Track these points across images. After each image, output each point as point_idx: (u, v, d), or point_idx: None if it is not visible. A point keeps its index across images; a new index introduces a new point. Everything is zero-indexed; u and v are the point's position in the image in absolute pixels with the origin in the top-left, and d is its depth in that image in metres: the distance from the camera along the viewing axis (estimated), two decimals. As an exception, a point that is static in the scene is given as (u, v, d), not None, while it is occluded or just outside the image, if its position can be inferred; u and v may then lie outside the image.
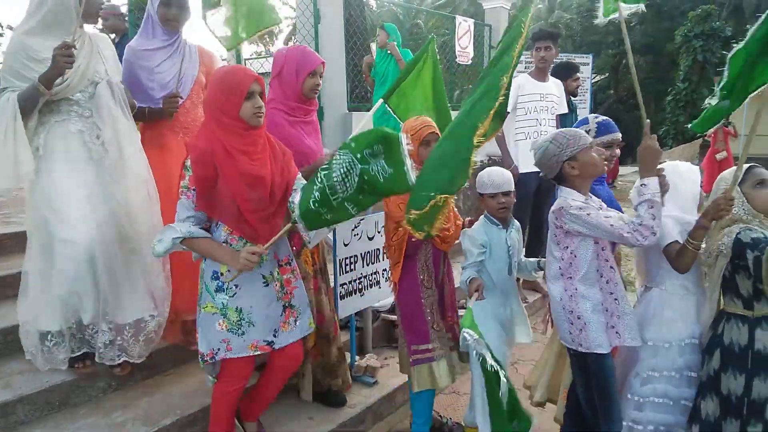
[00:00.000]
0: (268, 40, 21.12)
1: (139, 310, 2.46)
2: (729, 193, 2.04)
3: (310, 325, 2.28)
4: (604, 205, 2.28)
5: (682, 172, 2.37)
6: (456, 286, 2.73)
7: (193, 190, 1.92)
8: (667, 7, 22.07)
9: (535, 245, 4.46)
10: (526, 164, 3.99)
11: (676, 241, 2.21)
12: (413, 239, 2.35)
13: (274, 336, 2.12)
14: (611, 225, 2.07)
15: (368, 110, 6.85)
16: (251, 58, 9.75)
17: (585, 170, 2.17)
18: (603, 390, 2.21)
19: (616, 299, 2.18)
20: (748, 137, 2.15)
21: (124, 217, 2.40)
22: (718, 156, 10.77)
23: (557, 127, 4.18)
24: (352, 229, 2.96)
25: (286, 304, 2.15)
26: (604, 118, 2.56)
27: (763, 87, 2.04)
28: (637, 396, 2.31)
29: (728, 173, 2.18)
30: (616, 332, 2.17)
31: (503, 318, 2.62)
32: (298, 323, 2.20)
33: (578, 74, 4.92)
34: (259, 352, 2.09)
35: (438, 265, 2.63)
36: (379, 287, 3.22)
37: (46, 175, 2.30)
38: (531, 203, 4.30)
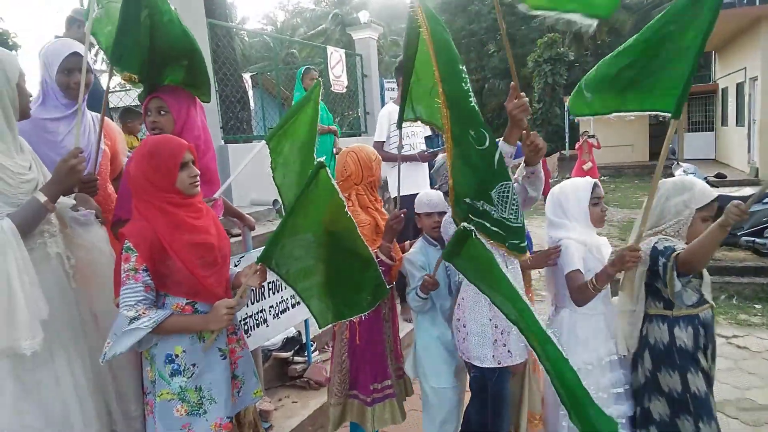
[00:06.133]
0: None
1: None
2: (634, 245, 2.04)
3: (255, 395, 2.13)
4: None
5: (568, 192, 2.41)
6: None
7: (143, 270, 1.75)
8: (518, 36, 24.39)
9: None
10: (405, 188, 4.11)
11: (578, 270, 2.24)
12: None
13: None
14: None
15: (245, 141, 6.73)
16: (114, 91, 9.06)
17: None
18: (496, 409, 2.25)
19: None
20: (646, 208, 2.06)
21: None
22: (585, 167, 12.35)
23: (427, 148, 4.37)
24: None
25: (232, 375, 2.02)
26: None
27: (629, 113, 2.04)
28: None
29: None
30: (508, 350, 2.20)
31: (450, 342, 2.47)
32: (240, 394, 2.07)
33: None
34: None
35: (393, 296, 2.57)
36: (268, 324, 3.11)
37: None
38: (413, 224, 4.42)
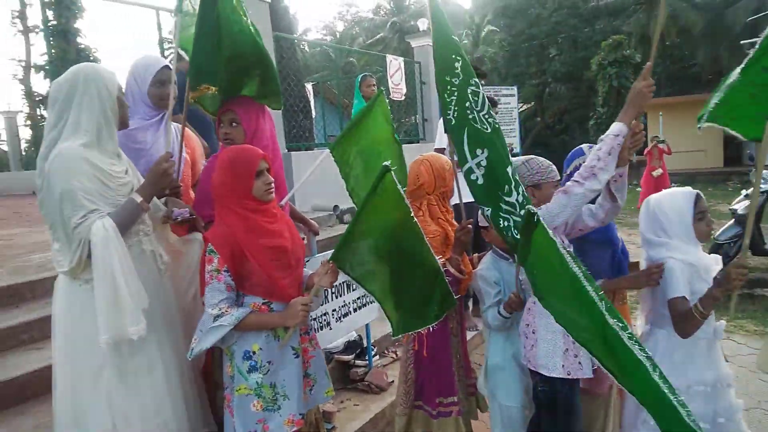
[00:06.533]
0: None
1: None
2: (741, 261, 1.86)
3: (327, 394, 2.21)
4: None
5: (666, 207, 2.16)
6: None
7: (225, 271, 1.88)
8: (581, 38, 23.72)
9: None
10: (467, 195, 4.08)
11: (684, 298, 2.00)
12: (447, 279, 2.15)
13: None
14: (555, 203, 1.99)
15: (307, 149, 6.92)
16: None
17: (542, 203, 2.10)
18: (567, 425, 2.13)
19: None
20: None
21: None
22: (655, 173, 11.62)
23: None
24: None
25: (304, 374, 2.11)
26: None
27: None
28: None
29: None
30: (579, 362, 2.06)
31: (517, 356, 2.33)
32: (312, 393, 2.15)
33: (495, 109, 5.16)
34: (295, 428, 1.99)
35: (461, 310, 2.52)
36: (331, 327, 3.17)
37: None
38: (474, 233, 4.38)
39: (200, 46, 2.20)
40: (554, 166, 2.26)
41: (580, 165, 2.08)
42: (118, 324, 1.79)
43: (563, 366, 2.11)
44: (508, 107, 8.85)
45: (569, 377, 2.12)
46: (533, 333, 2.16)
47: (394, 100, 8.28)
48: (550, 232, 1.71)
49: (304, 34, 31.87)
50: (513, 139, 8.62)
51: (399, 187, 1.83)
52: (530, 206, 1.80)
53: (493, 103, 5.20)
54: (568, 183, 2.02)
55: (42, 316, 3.10)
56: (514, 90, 9.53)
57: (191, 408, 2.13)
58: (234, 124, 2.29)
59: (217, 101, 2.34)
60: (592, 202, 2.14)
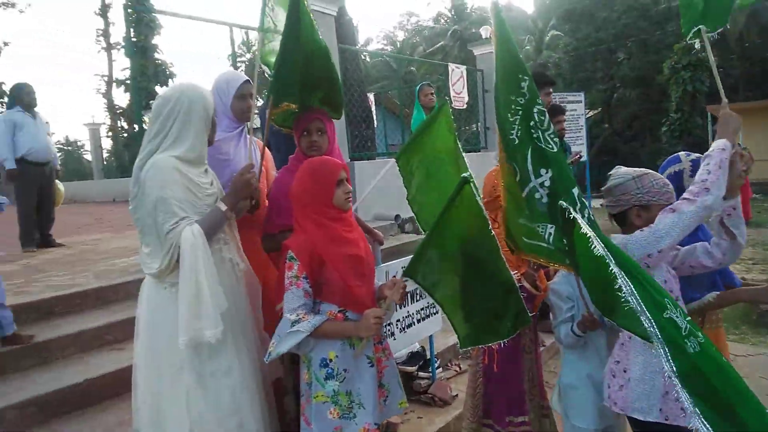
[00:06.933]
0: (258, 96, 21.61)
1: None
2: None
3: (400, 405, 2.21)
4: None
5: None
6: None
7: (304, 278, 1.93)
8: (652, 41, 22.71)
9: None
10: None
11: None
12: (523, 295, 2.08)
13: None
14: (661, 223, 1.82)
15: (369, 159, 6.98)
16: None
17: (647, 225, 1.92)
18: None
19: None
20: None
21: None
22: None
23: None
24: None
25: (378, 384, 2.11)
26: (697, 155, 2.22)
27: None
28: None
29: None
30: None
31: (600, 381, 2.17)
32: (386, 403, 2.16)
33: (563, 116, 5.01)
34: None
35: (536, 327, 2.46)
36: (395, 337, 3.17)
37: None
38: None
39: (283, 64, 2.25)
40: (671, 186, 2.02)
41: (675, 173, 1.94)
42: (196, 326, 1.88)
43: (661, 410, 1.87)
44: (575, 114, 8.57)
45: (666, 422, 1.87)
46: (624, 372, 1.95)
47: (455, 109, 8.23)
48: (586, 227, 1.59)
49: (365, 45, 32.38)
50: (580, 146, 8.33)
51: (478, 199, 1.80)
52: (561, 201, 1.70)
53: (561, 111, 5.05)
54: (677, 201, 1.85)
55: (124, 318, 3.29)
56: (581, 96, 9.22)
57: (264, 412, 2.18)
58: (320, 132, 2.35)
59: (290, 116, 2.40)
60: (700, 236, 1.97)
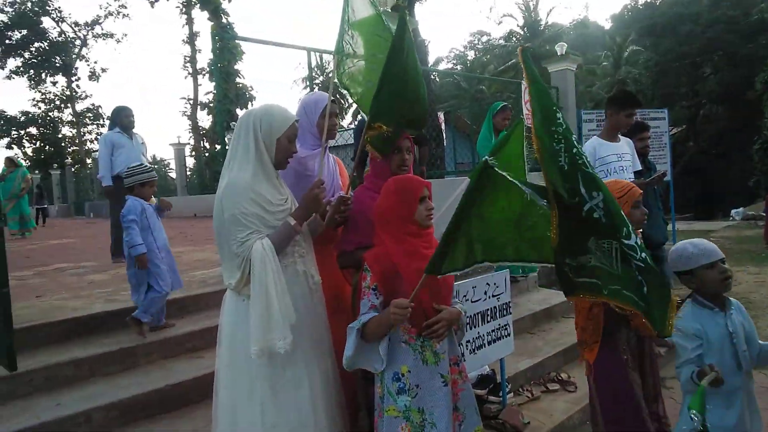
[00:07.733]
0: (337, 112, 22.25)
1: None
2: None
3: (476, 431, 2.21)
4: None
5: None
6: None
7: (373, 288, 2.00)
8: (741, 55, 21.32)
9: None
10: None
11: None
12: (616, 309, 2.02)
13: None
14: None
15: (439, 177, 6.97)
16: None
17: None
18: None
19: None
20: None
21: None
22: None
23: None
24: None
25: (453, 407, 2.10)
26: None
27: None
28: None
29: None
30: None
31: (732, 428, 2.06)
32: (462, 428, 2.12)
33: (647, 133, 4.78)
34: None
35: (643, 345, 2.38)
36: (465, 358, 3.10)
37: None
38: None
39: (384, 87, 2.30)
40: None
41: None
42: (267, 336, 1.93)
43: None
44: (658, 131, 8.12)
45: None
46: None
47: (527, 127, 8.07)
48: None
49: (435, 65, 32.58)
50: (664, 165, 7.87)
51: (503, 173, 1.85)
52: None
53: (645, 128, 4.82)
54: None
55: (204, 327, 3.44)
56: (665, 113, 8.75)
57: (333, 426, 2.19)
58: (409, 151, 2.42)
59: (381, 140, 2.40)
60: None
